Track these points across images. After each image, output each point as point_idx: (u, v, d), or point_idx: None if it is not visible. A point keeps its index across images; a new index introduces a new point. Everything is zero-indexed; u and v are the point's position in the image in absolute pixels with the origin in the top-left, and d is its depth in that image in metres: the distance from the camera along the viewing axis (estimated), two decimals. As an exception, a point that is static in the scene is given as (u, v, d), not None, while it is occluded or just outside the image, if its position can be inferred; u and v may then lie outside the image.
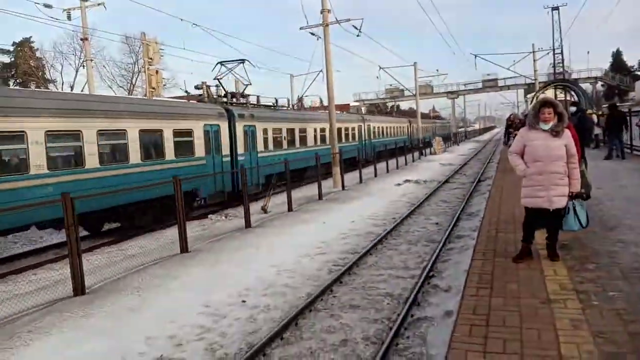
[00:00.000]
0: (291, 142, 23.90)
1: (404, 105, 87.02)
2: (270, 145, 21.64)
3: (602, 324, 4.35)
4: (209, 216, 16.03)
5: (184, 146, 15.75)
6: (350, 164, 25.89)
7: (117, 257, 10.76)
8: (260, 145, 20.57)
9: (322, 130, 28.11)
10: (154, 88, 23.81)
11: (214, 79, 21.57)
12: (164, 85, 19.61)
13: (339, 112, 31.26)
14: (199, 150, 16.41)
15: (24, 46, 54.24)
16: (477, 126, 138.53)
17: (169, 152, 14.96)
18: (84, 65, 39.39)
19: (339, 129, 28.96)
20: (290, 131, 23.98)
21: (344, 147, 25.17)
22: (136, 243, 12.44)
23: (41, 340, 5.99)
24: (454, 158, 36.35)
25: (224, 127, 17.97)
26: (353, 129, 33.02)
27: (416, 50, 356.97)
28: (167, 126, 14.97)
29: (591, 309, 4.70)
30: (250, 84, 22.77)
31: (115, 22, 58.82)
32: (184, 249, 10.23)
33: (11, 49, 54.63)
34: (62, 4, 24.23)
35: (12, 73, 54.78)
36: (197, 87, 21.45)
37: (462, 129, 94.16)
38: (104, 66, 49.03)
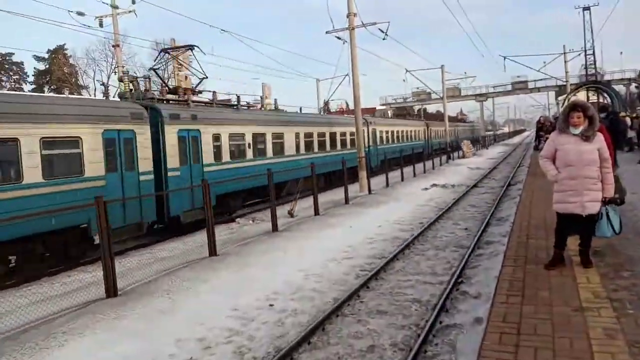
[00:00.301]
0: (260, 151, 18.79)
1: (432, 108, 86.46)
2: (226, 156, 16.57)
3: (637, 333, 4.23)
4: (237, 220, 16.20)
5: (63, 162, 11.21)
6: (354, 173, 21.00)
7: (148, 260, 10.97)
8: (207, 156, 15.60)
9: (309, 135, 22.83)
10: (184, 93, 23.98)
11: (150, 69, 17.25)
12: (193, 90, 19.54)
13: (325, 116, 29.52)
14: (94, 167, 11.71)
15: (58, 53, 56.10)
16: (506, 129, 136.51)
17: (32, 172, 10.28)
18: (115, 72, 40.49)
19: (334, 134, 25.86)
20: (259, 136, 18.81)
21: (341, 156, 20.61)
22: (165, 247, 12.67)
23: (75, 341, 6.15)
24: (482, 162, 35.87)
25: (143, 132, 13.27)
26: (353, 133, 26.38)
27: (443, 52, 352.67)
28: (29, 133, 10.34)
29: (626, 317, 4.58)
30: (207, 77, 17.92)
31: (145, 29, 59.98)
32: (213, 252, 10.36)
33: (46, 56, 56.56)
34: (94, 11, 25.02)
35: (47, 80, 56.64)
36: (120, 80, 17.13)
37: (491, 132, 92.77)
38: (135, 72, 50.16)
